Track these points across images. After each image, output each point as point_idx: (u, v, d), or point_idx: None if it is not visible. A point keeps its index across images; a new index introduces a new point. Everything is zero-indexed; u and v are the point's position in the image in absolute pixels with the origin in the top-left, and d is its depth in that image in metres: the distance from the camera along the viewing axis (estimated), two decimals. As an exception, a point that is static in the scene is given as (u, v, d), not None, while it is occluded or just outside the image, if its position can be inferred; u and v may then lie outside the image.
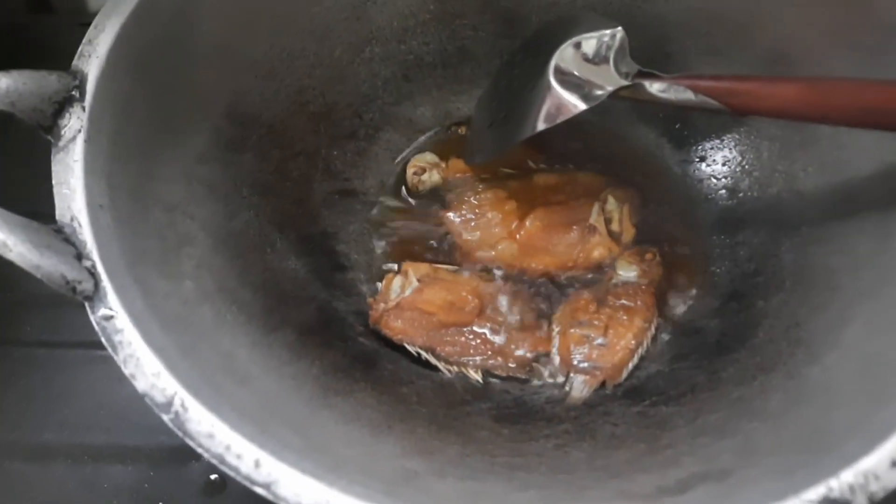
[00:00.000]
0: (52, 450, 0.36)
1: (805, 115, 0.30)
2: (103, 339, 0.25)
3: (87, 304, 0.25)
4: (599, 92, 0.33)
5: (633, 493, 0.25)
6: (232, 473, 0.23)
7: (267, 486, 0.22)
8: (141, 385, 0.24)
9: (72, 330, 0.39)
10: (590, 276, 0.36)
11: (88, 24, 0.32)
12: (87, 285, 0.25)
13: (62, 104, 0.29)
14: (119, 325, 0.25)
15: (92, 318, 0.25)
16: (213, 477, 0.36)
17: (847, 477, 0.22)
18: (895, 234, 0.30)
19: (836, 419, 0.25)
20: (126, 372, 0.24)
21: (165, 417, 0.23)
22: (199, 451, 0.23)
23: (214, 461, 0.23)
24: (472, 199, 0.39)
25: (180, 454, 0.36)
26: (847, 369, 0.27)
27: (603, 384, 0.33)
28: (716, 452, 0.27)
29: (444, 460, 0.28)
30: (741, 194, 0.38)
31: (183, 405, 0.24)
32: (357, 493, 0.22)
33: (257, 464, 0.23)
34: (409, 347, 0.35)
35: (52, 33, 0.56)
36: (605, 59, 0.34)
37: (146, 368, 0.24)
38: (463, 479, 0.26)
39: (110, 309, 0.25)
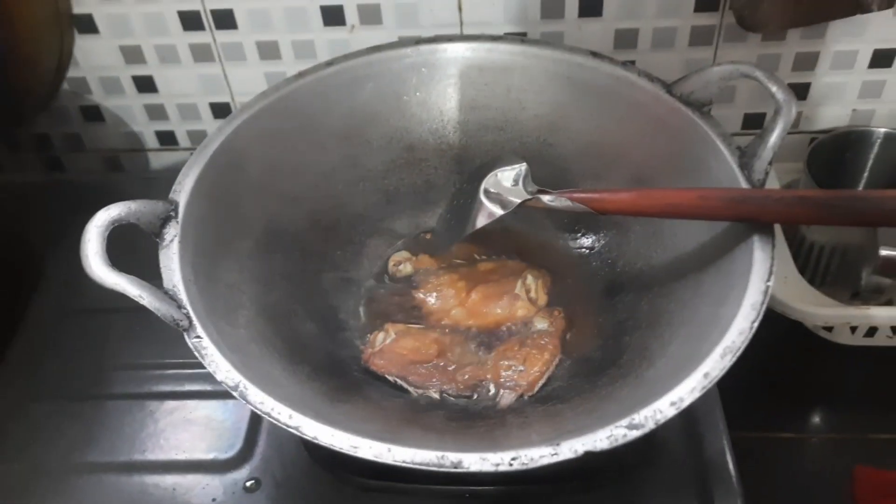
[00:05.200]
0: (140, 466, 0.51)
1: (635, 211, 0.47)
2: (195, 352, 0.40)
3: (185, 333, 0.41)
4: (511, 202, 0.51)
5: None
6: (276, 422, 0.37)
7: (297, 428, 0.37)
8: (219, 376, 0.39)
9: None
10: (515, 328, 0.53)
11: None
12: (185, 322, 0.41)
13: (165, 220, 0.46)
14: (205, 344, 0.41)
15: (188, 341, 0.41)
16: (248, 483, 0.50)
17: (645, 412, 0.37)
18: (702, 284, 0.46)
19: (652, 392, 0.40)
20: (210, 370, 0.40)
21: (235, 393, 0.39)
22: (255, 410, 0.38)
23: (264, 416, 0.38)
24: (434, 281, 0.55)
25: (227, 466, 0.50)
26: (665, 367, 0.43)
27: (521, 395, 0.49)
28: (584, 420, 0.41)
29: (409, 436, 0.42)
30: (618, 269, 0.55)
31: (245, 387, 0.39)
32: (350, 433, 0.37)
33: (290, 416, 0.38)
34: (388, 377, 0.50)
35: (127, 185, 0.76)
36: (516, 182, 0.51)
37: (221, 367, 0.40)
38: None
39: (199, 336, 0.41)
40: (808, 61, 0.66)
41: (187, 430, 0.53)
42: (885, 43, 0.64)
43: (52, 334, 0.61)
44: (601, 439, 0.36)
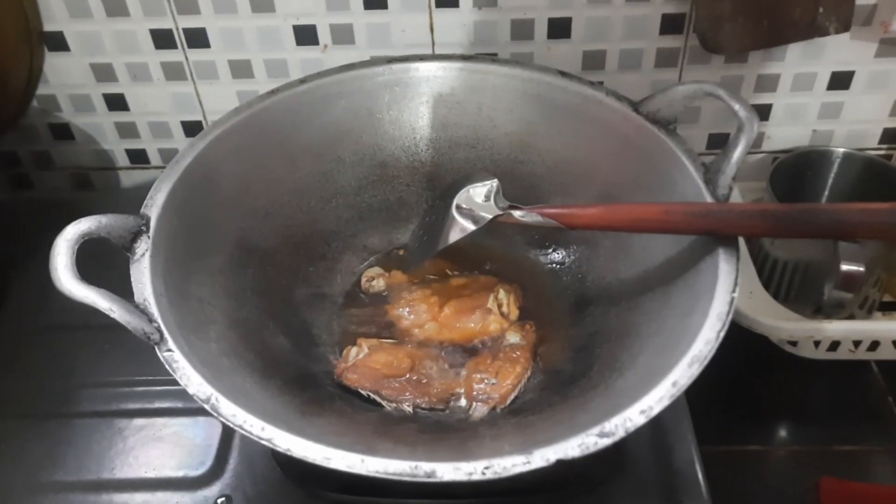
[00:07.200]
0: (109, 484, 0.50)
1: (603, 225, 0.48)
2: (167, 365, 0.40)
3: (156, 347, 0.41)
4: (483, 218, 0.51)
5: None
6: (248, 435, 0.37)
7: (269, 440, 0.37)
8: (191, 389, 0.39)
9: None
10: (487, 342, 0.53)
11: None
12: (155, 336, 0.41)
13: (136, 234, 0.45)
14: (176, 357, 0.40)
15: (160, 355, 0.41)
16: (219, 500, 0.49)
17: (616, 420, 0.37)
18: (670, 296, 0.47)
19: (622, 402, 0.41)
20: (181, 383, 0.39)
21: (207, 406, 0.38)
22: (226, 423, 0.38)
23: (236, 429, 0.37)
24: (407, 296, 0.56)
25: (198, 483, 0.50)
26: (635, 378, 0.43)
27: (494, 408, 0.49)
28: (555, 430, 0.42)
29: (382, 448, 0.42)
30: (588, 283, 0.55)
31: (216, 399, 0.39)
32: (323, 445, 0.37)
33: (263, 429, 0.37)
34: (361, 392, 0.50)
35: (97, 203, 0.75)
36: (488, 198, 0.52)
37: (193, 380, 0.39)
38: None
39: (170, 349, 0.41)
40: (769, 83, 0.68)
41: (157, 447, 0.52)
42: (843, 65, 0.67)
43: (19, 352, 0.60)
44: (573, 447, 0.36)
